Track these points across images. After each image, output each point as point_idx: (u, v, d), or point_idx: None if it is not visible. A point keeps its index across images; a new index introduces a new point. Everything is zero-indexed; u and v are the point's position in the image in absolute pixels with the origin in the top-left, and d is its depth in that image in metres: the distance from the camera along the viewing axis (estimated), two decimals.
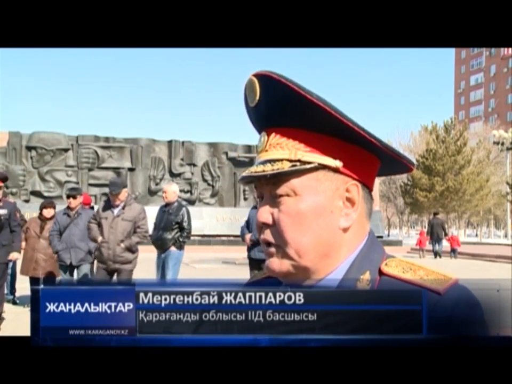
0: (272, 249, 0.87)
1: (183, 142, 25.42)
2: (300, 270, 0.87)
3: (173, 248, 7.07)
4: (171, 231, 7.05)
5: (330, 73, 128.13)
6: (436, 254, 20.85)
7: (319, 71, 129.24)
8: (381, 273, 0.87)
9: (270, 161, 0.86)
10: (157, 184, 24.34)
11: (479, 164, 41.32)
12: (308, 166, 0.85)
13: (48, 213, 8.17)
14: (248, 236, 7.40)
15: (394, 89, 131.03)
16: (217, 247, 21.89)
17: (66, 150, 23.91)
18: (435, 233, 20.94)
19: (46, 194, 22.92)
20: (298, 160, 0.85)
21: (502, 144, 38.89)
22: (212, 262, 16.04)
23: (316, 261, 0.87)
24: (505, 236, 46.51)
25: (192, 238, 23.61)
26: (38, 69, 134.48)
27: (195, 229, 25.09)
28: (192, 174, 25.27)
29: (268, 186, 0.88)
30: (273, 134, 0.88)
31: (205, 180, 25.44)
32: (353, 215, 0.88)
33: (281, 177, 0.85)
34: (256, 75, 0.87)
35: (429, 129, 44.84)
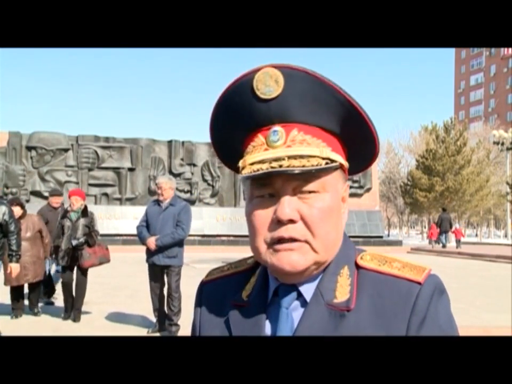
0: (297, 245, 0.85)
1: (183, 142, 25.41)
2: (318, 264, 0.88)
3: None
4: None
5: (330, 73, 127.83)
6: (443, 244, 24.78)
7: (319, 71, 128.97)
8: (357, 266, 0.90)
9: (297, 156, 0.84)
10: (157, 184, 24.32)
11: (478, 164, 41.29)
12: (336, 164, 0.87)
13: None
14: (152, 240, 6.21)
15: (394, 89, 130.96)
16: (217, 247, 21.88)
17: (66, 150, 23.90)
18: (444, 226, 24.63)
19: (46, 194, 22.91)
20: (328, 158, 0.86)
21: (502, 144, 38.88)
22: (212, 262, 16.00)
23: (333, 256, 0.90)
24: (505, 236, 46.50)
25: (192, 238, 23.48)
26: (38, 69, 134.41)
27: (195, 229, 25.06)
28: (192, 174, 25.26)
29: (293, 182, 0.85)
30: (295, 130, 0.86)
31: (205, 180, 25.43)
32: (346, 213, 0.94)
33: (312, 174, 0.85)
34: (278, 67, 0.85)
35: (428, 129, 44.83)
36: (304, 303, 0.89)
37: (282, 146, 0.85)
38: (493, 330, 6.57)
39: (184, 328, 6.25)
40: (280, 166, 0.83)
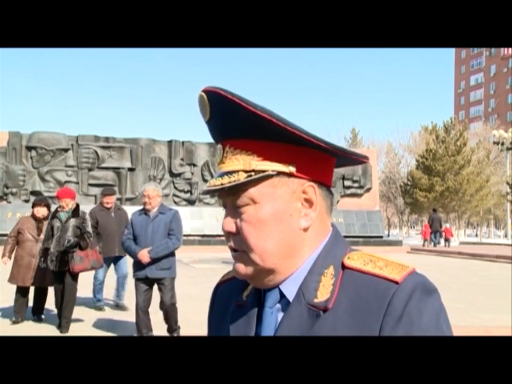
0: (238, 255, 0.91)
1: (183, 142, 25.41)
2: (265, 272, 0.90)
3: None
4: None
5: (330, 73, 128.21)
6: (435, 243, 26.10)
7: (319, 71, 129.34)
8: (344, 266, 0.89)
9: (226, 173, 0.89)
10: None
11: (479, 164, 41.34)
12: (262, 175, 0.87)
13: (37, 211, 7.29)
14: (144, 253, 5.75)
15: (394, 89, 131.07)
16: (217, 247, 21.87)
17: (66, 150, 23.90)
18: (435, 226, 26.15)
19: (46, 194, 22.88)
20: (253, 170, 0.87)
21: (502, 144, 38.88)
22: (212, 262, 16.04)
23: (279, 263, 0.90)
24: (505, 236, 46.51)
25: (192, 238, 23.33)
26: (38, 69, 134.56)
27: (195, 229, 24.97)
28: (192, 174, 25.26)
29: (229, 197, 0.91)
30: (227, 146, 0.91)
31: (205, 180, 25.42)
32: (313, 214, 0.91)
33: (239, 188, 0.88)
34: (204, 91, 0.89)
35: (428, 129, 44.90)
36: (288, 303, 0.90)
37: (221, 164, 0.92)
38: (493, 330, 6.57)
39: (184, 328, 6.25)
40: (215, 185, 0.89)
